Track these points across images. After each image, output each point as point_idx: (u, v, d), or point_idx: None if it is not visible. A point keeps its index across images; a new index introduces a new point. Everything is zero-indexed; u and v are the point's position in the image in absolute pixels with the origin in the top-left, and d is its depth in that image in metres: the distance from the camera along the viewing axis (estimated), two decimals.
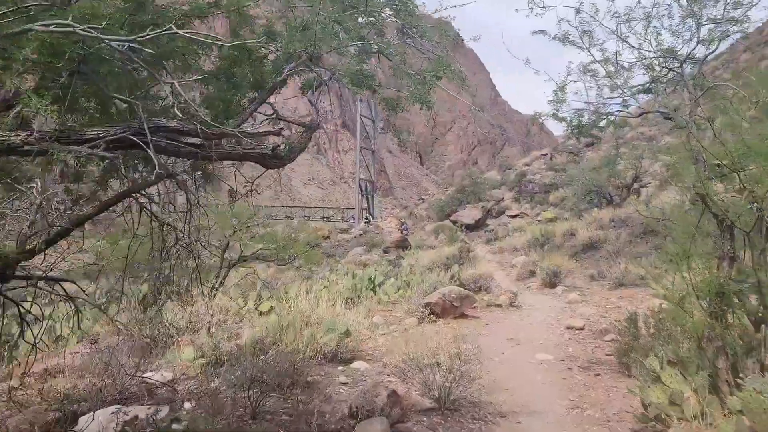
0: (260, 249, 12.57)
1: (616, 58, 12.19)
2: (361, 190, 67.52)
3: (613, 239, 17.60)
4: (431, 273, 15.49)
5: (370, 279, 14.41)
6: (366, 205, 68.61)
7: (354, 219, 66.43)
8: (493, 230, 32.23)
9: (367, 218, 64.84)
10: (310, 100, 6.40)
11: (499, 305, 12.23)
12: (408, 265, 24.51)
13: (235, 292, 10.95)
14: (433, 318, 10.59)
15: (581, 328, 9.60)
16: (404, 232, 38.48)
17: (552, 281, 15.17)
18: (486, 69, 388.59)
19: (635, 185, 27.18)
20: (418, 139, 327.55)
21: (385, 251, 34.80)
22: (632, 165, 26.48)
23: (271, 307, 10.43)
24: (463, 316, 10.93)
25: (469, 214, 36.42)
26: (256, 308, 10.55)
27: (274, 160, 5.17)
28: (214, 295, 11.09)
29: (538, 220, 31.29)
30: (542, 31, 12.70)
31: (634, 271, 14.26)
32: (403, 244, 34.45)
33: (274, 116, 6.05)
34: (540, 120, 13.53)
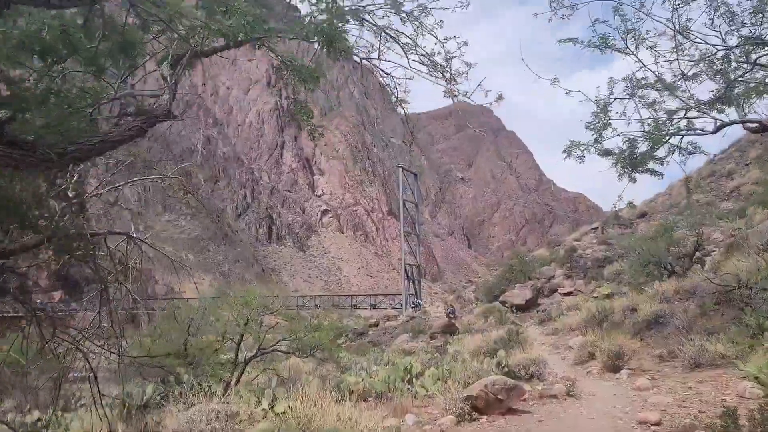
0: (280, 340, 11.20)
1: (677, 56, 9.65)
2: (408, 276, 65.98)
3: (681, 313, 15.54)
4: (475, 360, 13.76)
5: (405, 369, 12.77)
6: (413, 290, 66.85)
7: (401, 305, 64.62)
8: (545, 310, 30.11)
9: (414, 304, 62.98)
10: (163, 76, 5.00)
11: (554, 396, 10.39)
12: (453, 352, 22.70)
13: (247, 390, 9.53)
14: (476, 414, 8.89)
15: (657, 424, 7.75)
16: (451, 316, 36.65)
17: (615, 364, 13.20)
18: (528, 150, 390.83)
19: (697, 254, 25.01)
20: (465, 222, 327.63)
21: (432, 337, 33.05)
22: (693, 231, 24.44)
23: (288, 407, 8.97)
24: (511, 411, 9.18)
25: (519, 294, 34.42)
26: (270, 409, 9.09)
27: (12, 150, 2.69)
28: (225, 393, 9.72)
29: (594, 297, 29.09)
30: (571, 40, 10.30)
31: (711, 348, 12.25)
32: (450, 329, 32.65)
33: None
34: (578, 153, 11.53)
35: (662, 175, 10.88)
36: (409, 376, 12.50)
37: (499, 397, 8.96)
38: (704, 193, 47.60)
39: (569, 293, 32.75)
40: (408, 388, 11.69)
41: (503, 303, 34.29)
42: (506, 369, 12.76)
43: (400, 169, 68.12)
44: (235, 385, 10.18)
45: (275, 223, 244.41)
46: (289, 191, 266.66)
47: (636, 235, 28.69)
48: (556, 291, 34.27)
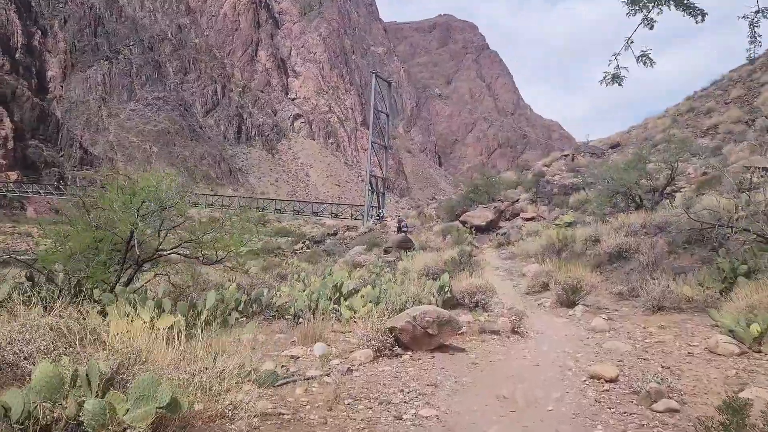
0: (182, 242, 9.37)
1: None
2: (372, 187, 64.35)
3: (647, 248, 14.22)
4: (419, 280, 12.29)
5: (335, 286, 11.18)
6: (377, 202, 65.39)
7: (363, 216, 63.44)
8: (505, 233, 28.92)
9: (379, 216, 61.79)
10: None
11: (497, 332, 8.95)
12: (403, 269, 21.46)
13: (122, 300, 7.80)
14: (399, 350, 7.38)
15: (613, 380, 6.33)
16: (404, 229, 35.44)
17: (570, 298, 11.86)
18: (509, 72, 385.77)
19: (669, 188, 23.80)
20: (438, 139, 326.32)
21: (386, 251, 31.89)
22: (668, 165, 23.06)
23: (174, 323, 7.37)
24: (442, 348, 7.71)
25: (481, 215, 33.13)
26: (149, 324, 7.44)
27: None
28: (97, 303, 8.02)
29: (556, 224, 27.97)
30: None
31: (677, 290, 10.95)
32: (405, 245, 31.42)
33: None
34: None
35: (703, 15, 7.84)
36: (338, 294, 10.96)
37: (429, 331, 7.44)
38: (680, 128, 46.39)
39: (531, 218, 31.59)
40: (334, 309, 10.17)
41: (463, 223, 33.06)
42: (448, 294, 11.35)
43: (374, 75, 65.06)
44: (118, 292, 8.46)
45: (245, 123, 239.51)
46: (262, 91, 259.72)
47: (608, 164, 27.25)
48: (518, 215, 33.07)
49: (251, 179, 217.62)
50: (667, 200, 22.78)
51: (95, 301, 8.18)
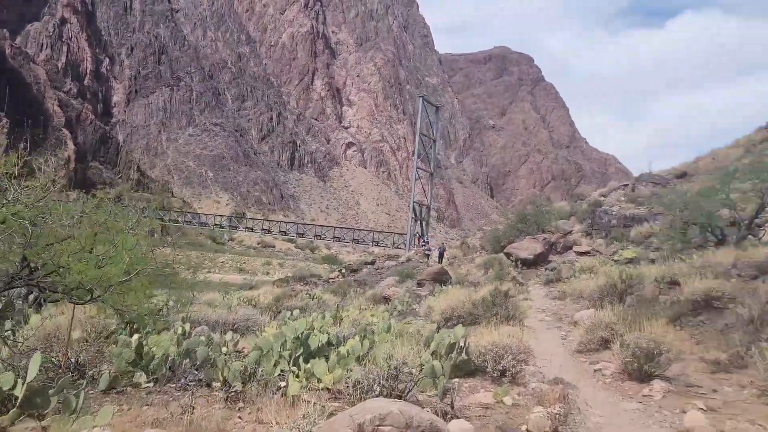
0: (50, 272, 6.04)
1: None
2: (415, 215, 60.89)
3: (748, 296, 10.27)
4: (414, 336, 8.74)
5: (296, 338, 7.70)
6: (420, 230, 61.82)
7: (405, 244, 60.01)
8: (555, 269, 25.05)
9: (424, 244, 58.20)
10: None
11: None
12: (427, 307, 17.97)
13: None
14: None
15: None
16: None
17: (643, 368, 8.07)
18: (565, 105, 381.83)
19: (757, 220, 19.58)
20: (491, 171, 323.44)
21: (420, 284, 28.48)
22: (756, 193, 18.89)
23: None
24: None
25: (528, 246, 29.32)
26: None
27: None
28: None
29: (615, 260, 23.94)
30: None
31: None
32: (441, 278, 27.93)
33: None
34: None
35: None
36: (301, 350, 7.49)
37: None
38: (758, 157, 41.51)
39: (586, 252, 27.61)
40: (282, 375, 6.75)
41: (508, 255, 29.34)
42: (463, 356, 7.77)
43: (421, 99, 62.07)
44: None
45: (298, 150, 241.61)
46: (316, 119, 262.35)
47: (681, 188, 23.14)
48: (571, 248, 29.09)
49: (302, 206, 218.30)
50: (753, 235, 18.70)
51: None
